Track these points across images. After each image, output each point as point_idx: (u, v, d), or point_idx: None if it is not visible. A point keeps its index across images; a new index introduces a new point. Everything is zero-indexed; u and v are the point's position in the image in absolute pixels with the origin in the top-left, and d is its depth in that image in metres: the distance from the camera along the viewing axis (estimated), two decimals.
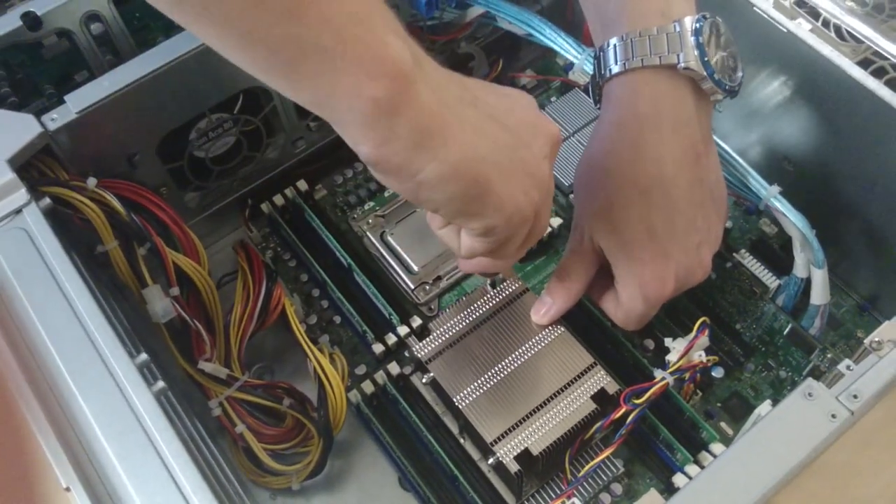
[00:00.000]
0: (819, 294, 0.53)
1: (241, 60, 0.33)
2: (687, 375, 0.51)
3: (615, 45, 0.47)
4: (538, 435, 0.47)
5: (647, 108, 0.47)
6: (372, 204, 0.64)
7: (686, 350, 0.50)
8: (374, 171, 0.36)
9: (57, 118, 0.49)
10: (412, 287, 0.59)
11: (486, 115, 0.38)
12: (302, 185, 0.63)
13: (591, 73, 0.50)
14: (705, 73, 0.46)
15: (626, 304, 0.49)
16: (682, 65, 0.45)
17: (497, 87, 0.41)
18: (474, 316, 0.52)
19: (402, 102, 0.33)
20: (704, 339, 0.50)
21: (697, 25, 0.46)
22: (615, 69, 0.47)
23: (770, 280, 0.56)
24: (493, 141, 0.37)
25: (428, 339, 0.51)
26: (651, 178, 0.47)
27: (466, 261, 0.45)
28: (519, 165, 0.38)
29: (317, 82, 0.33)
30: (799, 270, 0.54)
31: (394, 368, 0.54)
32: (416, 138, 0.34)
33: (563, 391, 0.49)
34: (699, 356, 0.50)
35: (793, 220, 0.51)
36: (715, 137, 0.51)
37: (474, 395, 0.49)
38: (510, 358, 0.50)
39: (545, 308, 0.51)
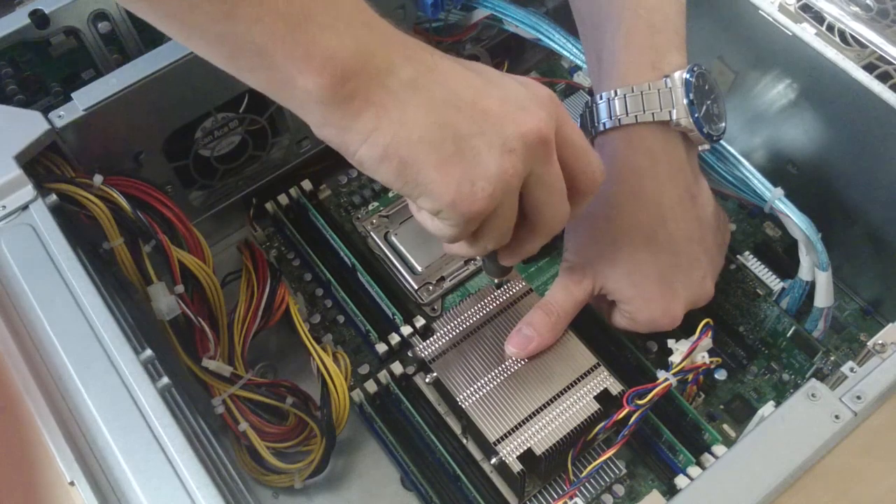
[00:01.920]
0: (823, 297, 0.53)
1: (191, 48, 0.36)
2: (690, 377, 0.51)
3: (608, 100, 0.49)
4: (541, 435, 0.47)
5: (643, 161, 0.49)
6: (376, 204, 0.64)
7: (689, 352, 0.50)
8: None
9: (64, 115, 0.49)
10: (416, 287, 0.59)
11: (440, 99, 0.37)
12: (306, 184, 0.63)
13: (580, 117, 0.52)
14: (695, 129, 0.48)
15: (634, 327, 0.52)
16: (675, 121, 0.48)
17: (484, 72, 0.39)
18: (478, 316, 0.52)
19: (335, 94, 0.35)
20: (707, 341, 0.50)
21: (687, 78, 0.48)
22: (609, 124, 0.49)
23: (774, 282, 0.56)
24: (435, 124, 0.36)
25: (431, 339, 0.51)
26: (654, 223, 0.49)
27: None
28: (464, 153, 0.37)
29: (255, 74, 0.35)
30: (804, 273, 0.54)
31: (397, 368, 0.55)
32: (349, 124, 0.36)
33: (566, 391, 0.49)
34: (702, 358, 0.50)
35: (797, 221, 0.51)
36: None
37: (477, 395, 0.49)
38: (513, 358, 0.50)
39: (527, 343, 0.50)
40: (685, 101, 0.47)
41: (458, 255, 0.53)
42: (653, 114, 0.48)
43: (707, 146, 0.50)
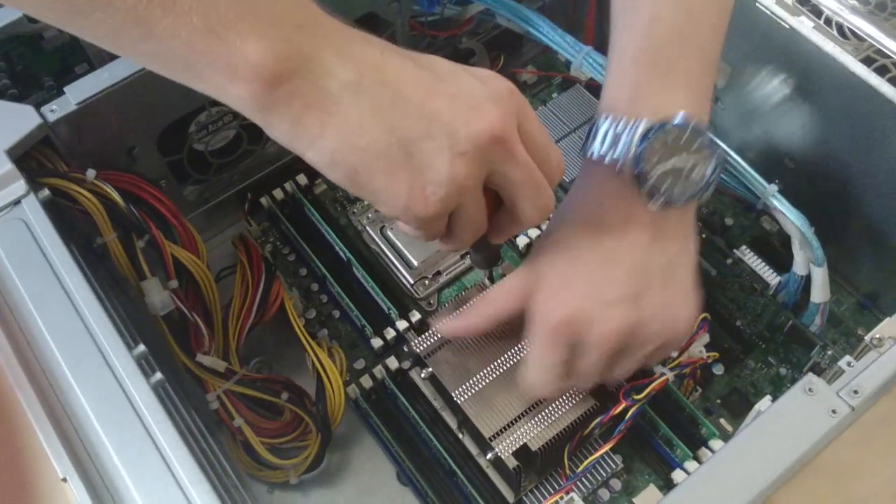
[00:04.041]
0: (819, 292, 0.53)
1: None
2: (687, 371, 0.51)
3: (591, 126, 0.45)
4: (537, 430, 0.47)
5: (580, 195, 0.46)
6: None
7: (686, 346, 0.50)
8: None
9: (56, 109, 0.49)
10: (412, 282, 0.59)
11: (386, 101, 0.35)
12: (302, 179, 0.63)
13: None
14: (638, 185, 0.43)
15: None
16: (618, 167, 0.43)
17: (438, 68, 0.38)
18: None
19: (269, 99, 0.34)
20: (705, 336, 0.50)
21: (647, 129, 0.42)
22: (586, 151, 0.45)
23: (771, 277, 0.56)
24: (382, 129, 0.35)
25: (427, 333, 0.51)
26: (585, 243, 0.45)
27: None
28: (413, 158, 0.36)
29: (194, 84, 0.35)
30: (798, 268, 0.54)
31: (392, 363, 0.54)
32: (291, 127, 0.35)
33: None
34: (699, 352, 0.50)
35: (791, 218, 0.51)
36: (715, 138, 0.50)
37: (473, 391, 0.49)
38: (509, 353, 0.50)
39: (455, 326, 0.48)
40: (634, 152, 0.42)
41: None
42: (607, 154, 0.43)
43: (658, 208, 0.43)
